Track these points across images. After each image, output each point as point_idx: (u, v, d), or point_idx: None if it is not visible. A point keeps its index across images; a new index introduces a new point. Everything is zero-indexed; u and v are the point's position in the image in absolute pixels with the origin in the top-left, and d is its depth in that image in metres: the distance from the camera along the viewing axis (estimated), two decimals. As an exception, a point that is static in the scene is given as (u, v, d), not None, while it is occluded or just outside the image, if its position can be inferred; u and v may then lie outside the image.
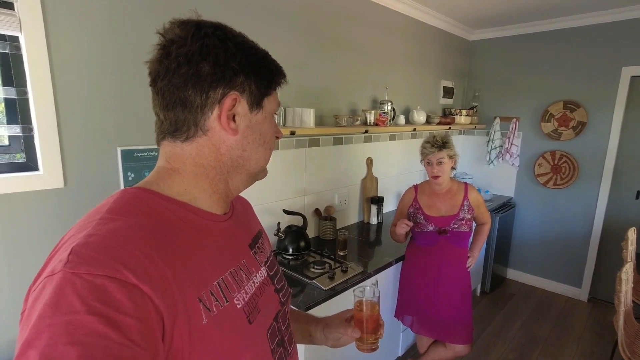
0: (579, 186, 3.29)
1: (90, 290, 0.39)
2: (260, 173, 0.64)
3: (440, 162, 1.89)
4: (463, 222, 1.94)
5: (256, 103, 0.57)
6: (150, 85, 0.55)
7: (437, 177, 1.91)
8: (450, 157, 1.91)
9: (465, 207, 1.95)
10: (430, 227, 1.95)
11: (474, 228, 2.09)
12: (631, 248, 2.27)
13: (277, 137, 0.64)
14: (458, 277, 1.98)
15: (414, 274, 2.04)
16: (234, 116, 0.55)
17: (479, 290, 3.43)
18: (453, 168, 1.98)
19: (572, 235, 3.37)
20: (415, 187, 2.07)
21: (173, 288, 0.45)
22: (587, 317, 3.11)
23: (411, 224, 1.90)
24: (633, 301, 2.22)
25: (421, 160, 2.02)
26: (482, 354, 2.59)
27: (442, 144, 1.88)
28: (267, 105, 0.59)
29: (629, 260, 2.11)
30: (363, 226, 2.73)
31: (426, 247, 1.99)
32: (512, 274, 3.77)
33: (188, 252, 0.51)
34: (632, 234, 2.33)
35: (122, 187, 1.50)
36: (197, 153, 0.55)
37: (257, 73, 0.56)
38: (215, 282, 0.53)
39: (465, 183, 2.03)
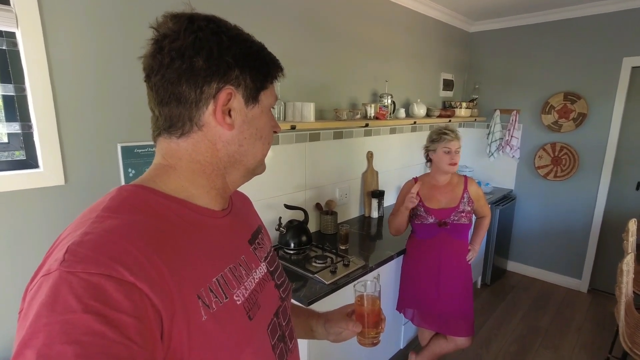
0: (579, 178, 3.29)
1: (86, 289, 0.39)
2: (258, 167, 0.63)
3: (457, 151, 1.91)
4: (463, 215, 1.94)
5: (252, 97, 0.56)
6: (145, 81, 0.55)
7: (454, 164, 1.91)
8: (460, 147, 1.95)
9: (465, 200, 1.95)
10: (430, 220, 1.95)
11: (474, 221, 2.09)
12: (632, 239, 2.27)
13: (275, 132, 0.63)
14: (459, 270, 1.99)
15: (414, 267, 2.04)
16: (229, 111, 0.54)
17: (479, 283, 3.44)
18: None
19: (573, 227, 3.38)
20: (415, 179, 2.07)
21: (171, 286, 0.45)
22: (587, 308, 3.13)
23: (417, 199, 1.90)
24: (634, 292, 2.23)
25: (430, 150, 1.97)
26: (483, 346, 2.61)
27: (458, 133, 1.94)
28: (263, 99, 0.58)
29: (630, 251, 2.12)
30: (364, 220, 2.74)
31: (426, 239, 1.99)
32: (513, 266, 3.78)
33: (186, 249, 0.50)
34: (632, 225, 2.33)
35: (122, 183, 1.49)
36: (193, 149, 0.55)
37: (253, 66, 0.55)
38: (214, 279, 0.52)
39: (465, 176, 2.03)
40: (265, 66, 0.57)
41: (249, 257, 0.63)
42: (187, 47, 0.50)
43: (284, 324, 0.67)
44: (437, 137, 1.93)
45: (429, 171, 2.07)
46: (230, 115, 0.54)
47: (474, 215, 2.06)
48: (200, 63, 0.51)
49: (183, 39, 0.50)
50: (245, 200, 0.78)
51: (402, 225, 1.99)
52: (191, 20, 0.51)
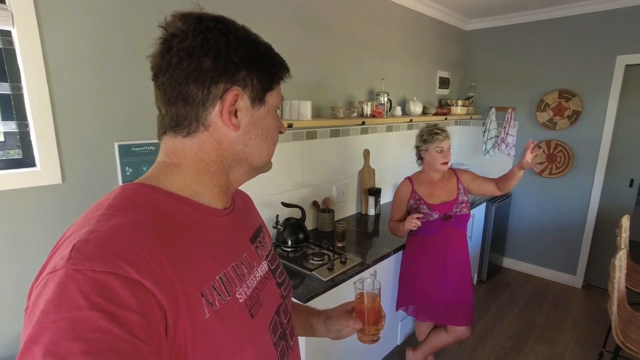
0: (573, 175, 3.32)
1: (92, 287, 0.39)
2: (265, 166, 0.64)
3: (449, 149, 1.94)
4: (463, 205, 1.98)
5: (258, 98, 0.56)
6: (152, 80, 0.55)
7: (446, 163, 1.93)
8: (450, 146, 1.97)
9: (461, 190, 1.99)
10: (435, 215, 1.96)
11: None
12: (625, 235, 2.31)
13: (280, 132, 0.64)
14: (461, 260, 2.03)
15: (419, 263, 2.04)
16: (235, 111, 0.55)
17: (475, 279, 3.47)
18: None
19: (567, 224, 3.41)
20: (410, 179, 2.06)
21: (175, 283, 0.45)
22: (581, 304, 3.17)
23: (420, 221, 1.87)
24: (626, 287, 2.26)
25: (422, 149, 1.97)
26: (479, 342, 2.64)
27: (447, 131, 1.95)
28: (269, 100, 0.58)
29: (623, 247, 2.15)
30: (361, 217, 2.75)
31: (431, 235, 1.99)
32: (509, 262, 3.82)
33: (189, 247, 0.51)
34: (625, 221, 2.36)
35: (120, 182, 1.49)
36: (199, 148, 0.55)
37: (260, 67, 0.55)
38: (217, 277, 0.53)
39: (453, 168, 2.06)
40: (272, 67, 0.57)
41: (250, 255, 0.63)
42: (196, 48, 0.50)
43: (285, 321, 0.68)
44: (429, 137, 1.93)
45: (420, 169, 2.08)
46: (236, 116, 0.55)
47: (487, 193, 2.04)
48: (208, 64, 0.51)
49: (191, 39, 0.51)
50: (246, 199, 0.78)
51: (402, 234, 2.01)
52: (200, 21, 0.52)
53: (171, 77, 0.52)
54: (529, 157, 1.77)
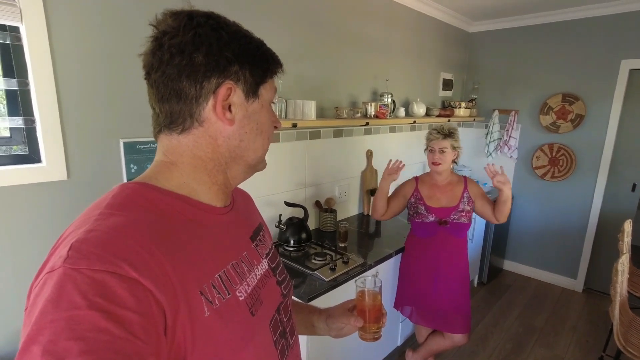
0: (576, 179, 3.31)
1: (91, 286, 0.39)
2: (259, 164, 0.63)
3: (443, 150, 1.92)
4: (463, 214, 1.96)
5: (252, 92, 0.56)
6: (145, 78, 0.55)
7: (437, 164, 1.93)
8: (454, 148, 1.95)
9: (465, 199, 1.97)
10: (431, 218, 1.97)
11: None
12: (627, 240, 2.31)
13: (275, 127, 0.63)
14: (457, 268, 2.01)
15: (413, 265, 2.06)
16: (229, 106, 0.55)
17: (476, 281, 3.47)
18: (454, 162, 2.00)
19: (569, 227, 3.40)
20: (416, 178, 2.09)
21: (174, 282, 0.45)
22: (582, 308, 3.16)
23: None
24: (628, 291, 2.26)
25: (425, 149, 2.04)
26: (479, 344, 2.64)
27: (447, 133, 1.93)
28: (263, 93, 0.58)
29: (625, 251, 2.15)
30: (363, 218, 2.75)
31: (426, 238, 2.01)
32: (509, 265, 3.81)
33: (188, 245, 0.51)
34: (628, 225, 2.36)
35: (124, 179, 1.50)
36: (194, 145, 0.55)
37: (252, 61, 0.55)
38: (216, 275, 0.53)
39: (465, 177, 2.06)
40: (264, 62, 0.57)
41: (250, 253, 0.63)
42: (187, 43, 0.50)
43: (285, 320, 0.68)
44: (427, 136, 2.01)
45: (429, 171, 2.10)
46: (230, 111, 0.55)
47: (485, 215, 2.01)
48: (200, 59, 0.51)
49: (182, 35, 0.51)
50: (246, 197, 0.78)
51: (379, 205, 1.98)
52: (190, 17, 0.52)
53: (163, 74, 0.52)
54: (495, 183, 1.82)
